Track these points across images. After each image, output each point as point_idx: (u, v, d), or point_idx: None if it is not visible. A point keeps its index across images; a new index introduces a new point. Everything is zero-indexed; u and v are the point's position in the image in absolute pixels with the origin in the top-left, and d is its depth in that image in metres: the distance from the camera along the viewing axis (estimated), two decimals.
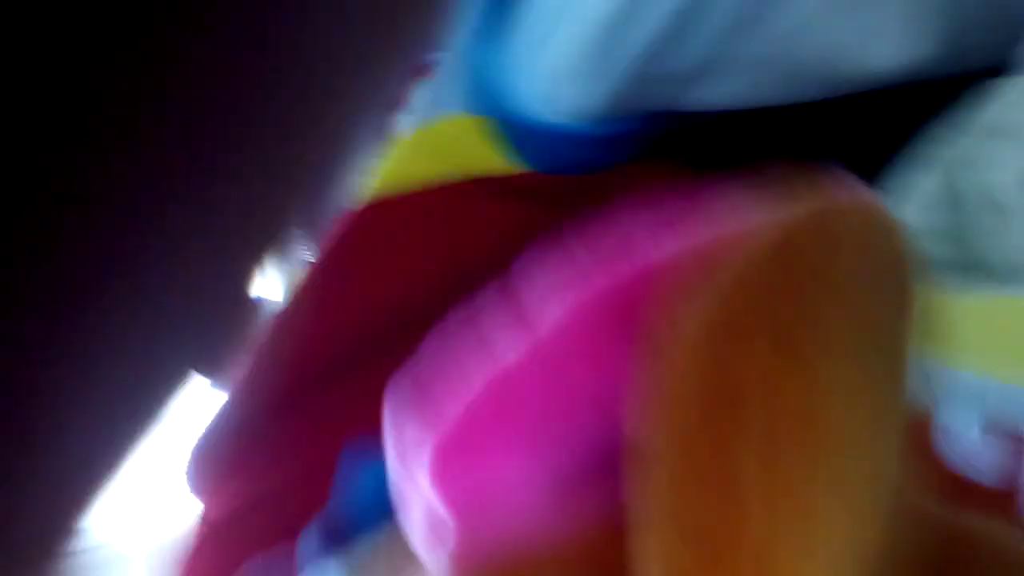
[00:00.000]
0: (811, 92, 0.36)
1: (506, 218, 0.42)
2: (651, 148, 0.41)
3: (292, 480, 0.39)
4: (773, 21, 0.34)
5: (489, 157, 0.42)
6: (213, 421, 0.41)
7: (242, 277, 0.10)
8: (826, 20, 0.34)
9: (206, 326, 0.10)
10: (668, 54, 0.36)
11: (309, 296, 0.41)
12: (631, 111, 0.39)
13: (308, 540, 0.36)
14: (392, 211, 0.41)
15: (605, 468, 0.16)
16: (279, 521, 0.37)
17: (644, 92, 0.38)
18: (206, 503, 0.41)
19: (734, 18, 0.34)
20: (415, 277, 0.41)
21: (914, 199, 0.33)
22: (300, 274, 0.42)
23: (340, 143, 0.11)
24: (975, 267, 0.32)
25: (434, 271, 0.41)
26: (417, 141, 0.43)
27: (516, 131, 0.42)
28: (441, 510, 0.17)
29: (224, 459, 0.40)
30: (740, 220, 0.16)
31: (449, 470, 0.17)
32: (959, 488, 0.27)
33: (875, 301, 0.15)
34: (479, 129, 0.42)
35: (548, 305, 0.17)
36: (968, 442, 0.27)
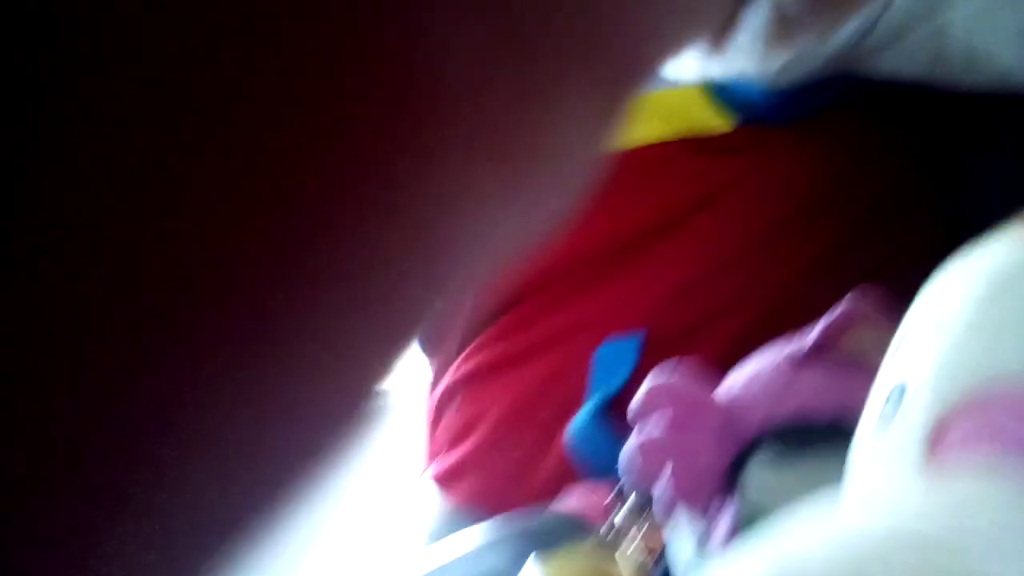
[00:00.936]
0: (956, 77, 0.46)
1: (711, 171, 0.56)
2: (829, 107, 0.55)
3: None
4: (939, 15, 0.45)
5: (707, 117, 0.57)
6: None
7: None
8: (971, 22, 0.44)
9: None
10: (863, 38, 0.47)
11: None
12: (825, 73, 0.51)
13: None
14: (625, 161, 0.54)
15: None
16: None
17: (840, 60, 0.50)
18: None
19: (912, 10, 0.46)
20: (636, 214, 0.55)
21: None
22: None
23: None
24: None
25: (651, 210, 0.55)
26: (649, 105, 0.57)
27: (730, 93, 0.56)
28: None
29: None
30: None
31: None
32: None
33: None
34: (701, 94, 0.57)
35: None
36: None
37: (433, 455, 0.60)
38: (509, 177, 0.10)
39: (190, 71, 0.07)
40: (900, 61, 0.48)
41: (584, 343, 0.55)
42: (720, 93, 0.57)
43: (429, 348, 0.62)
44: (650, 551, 0.43)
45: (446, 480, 0.58)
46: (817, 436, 0.34)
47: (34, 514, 0.07)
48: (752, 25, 0.51)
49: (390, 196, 0.08)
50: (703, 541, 0.37)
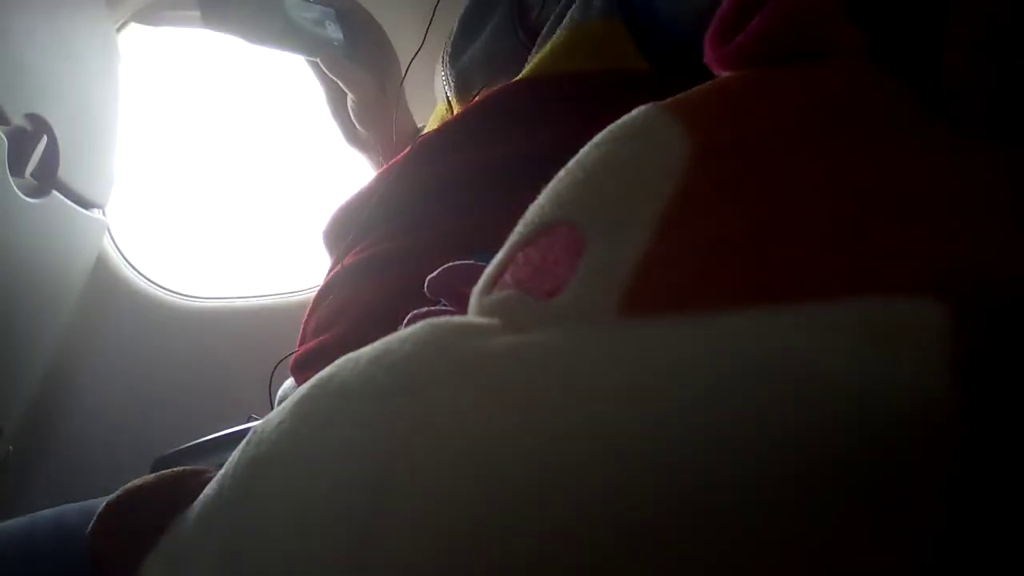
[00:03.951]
0: None
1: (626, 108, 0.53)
2: None
3: None
4: None
5: (628, 53, 0.55)
6: None
7: None
8: None
9: None
10: None
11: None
12: None
13: None
14: (544, 87, 0.55)
15: None
16: None
17: None
18: None
19: None
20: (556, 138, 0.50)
21: None
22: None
23: None
24: None
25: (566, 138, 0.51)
26: (571, 38, 0.56)
27: (647, 35, 0.54)
28: None
29: None
30: None
31: None
32: None
33: None
34: (620, 32, 0.55)
35: None
36: None
37: (300, 343, 0.62)
38: None
39: None
40: None
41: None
42: (641, 31, 0.57)
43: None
44: None
45: (296, 368, 0.59)
46: None
47: None
48: None
49: None
50: None
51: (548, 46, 0.59)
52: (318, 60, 0.78)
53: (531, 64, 0.59)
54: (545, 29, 0.62)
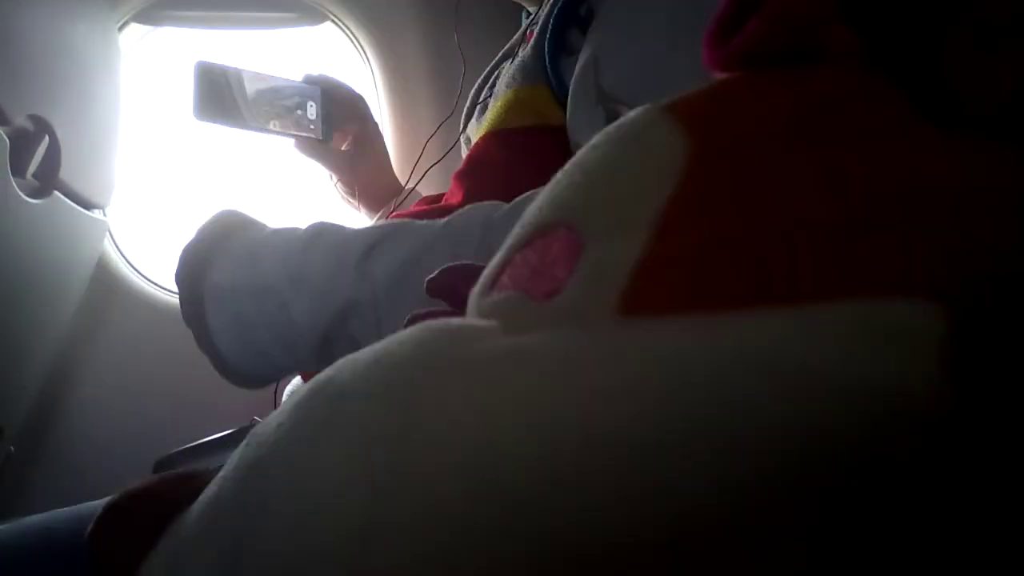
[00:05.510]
0: None
1: (558, 155, 0.59)
2: None
3: None
4: None
5: (555, 113, 0.69)
6: None
7: None
8: None
9: None
10: None
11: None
12: None
13: None
14: (497, 140, 0.70)
15: None
16: None
17: None
18: None
19: None
20: (504, 184, 0.62)
21: None
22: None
23: None
24: None
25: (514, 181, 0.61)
26: (507, 101, 0.72)
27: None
28: None
29: None
30: None
31: None
32: None
33: None
34: (544, 95, 0.70)
35: None
36: None
37: None
38: None
39: None
40: None
41: None
42: (557, 90, 0.69)
43: None
44: None
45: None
46: None
47: None
48: None
49: None
50: None
51: (495, 106, 0.72)
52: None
53: (486, 120, 0.73)
54: (499, 83, 0.77)
